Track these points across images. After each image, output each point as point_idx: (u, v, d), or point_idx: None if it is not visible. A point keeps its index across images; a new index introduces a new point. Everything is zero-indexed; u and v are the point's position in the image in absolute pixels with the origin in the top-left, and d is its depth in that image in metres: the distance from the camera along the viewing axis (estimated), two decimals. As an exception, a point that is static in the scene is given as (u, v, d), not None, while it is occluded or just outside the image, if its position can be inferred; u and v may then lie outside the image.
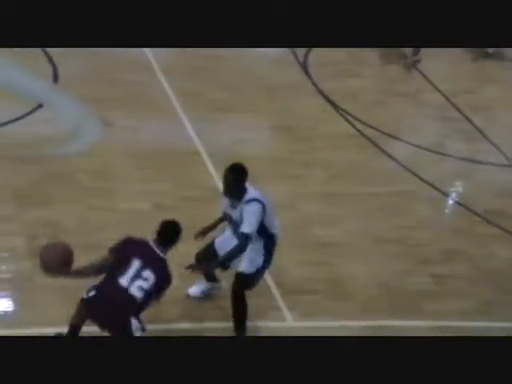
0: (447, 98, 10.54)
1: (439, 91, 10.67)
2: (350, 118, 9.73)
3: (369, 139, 9.38)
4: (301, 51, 10.87)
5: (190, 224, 6.16)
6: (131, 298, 5.60)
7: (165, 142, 8.66)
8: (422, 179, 8.85)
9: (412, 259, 7.72)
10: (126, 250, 5.76)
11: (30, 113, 8.49)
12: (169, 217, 5.94)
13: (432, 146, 9.56)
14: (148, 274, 5.65)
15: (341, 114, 9.81)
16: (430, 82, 10.85)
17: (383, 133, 9.54)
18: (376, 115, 9.87)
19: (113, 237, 6.03)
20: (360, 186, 8.55)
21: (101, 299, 5.59)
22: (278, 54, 10.60)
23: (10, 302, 6.46)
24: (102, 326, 5.63)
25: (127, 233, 5.95)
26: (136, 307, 5.66)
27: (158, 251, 5.79)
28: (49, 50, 9.48)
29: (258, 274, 6.34)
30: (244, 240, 6.03)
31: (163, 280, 5.74)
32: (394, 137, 9.61)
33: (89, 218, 7.27)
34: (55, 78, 9.25)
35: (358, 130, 9.53)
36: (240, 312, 6.33)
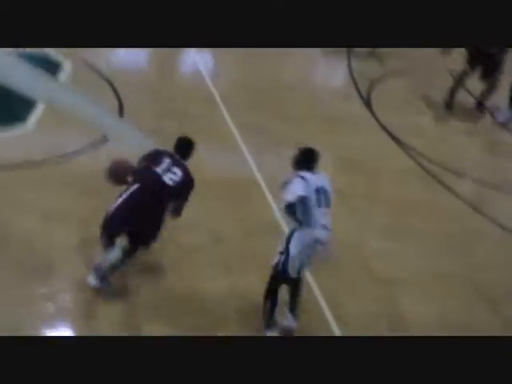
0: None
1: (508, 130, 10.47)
2: (414, 153, 9.57)
3: (434, 176, 9.21)
4: (363, 85, 10.79)
5: (250, 255, 6.05)
6: (164, 183, 6.45)
7: (225, 173, 8.62)
8: (488, 217, 8.62)
9: (479, 298, 7.47)
10: (157, 153, 6.75)
11: (96, 145, 8.55)
12: (228, 248, 5.84)
13: (500, 182, 9.33)
14: (177, 170, 6.60)
15: (404, 150, 9.66)
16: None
17: (449, 169, 9.36)
18: (441, 151, 9.70)
19: (174, 272, 5.92)
20: (425, 222, 8.35)
21: (140, 184, 6.44)
22: (340, 86, 10.54)
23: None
24: (140, 215, 6.31)
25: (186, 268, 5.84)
26: (167, 194, 6.42)
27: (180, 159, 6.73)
28: (114, 82, 9.61)
29: (277, 265, 6.13)
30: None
31: (189, 179, 6.63)
32: (459, 173, 9.41)
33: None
34: (121, 111, 9.32)
35: (422, 166, 9.37)
36: (266, 307, 6.25)
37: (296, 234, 6.10)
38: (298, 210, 6.04)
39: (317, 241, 6.10)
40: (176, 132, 8.87)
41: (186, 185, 6.60)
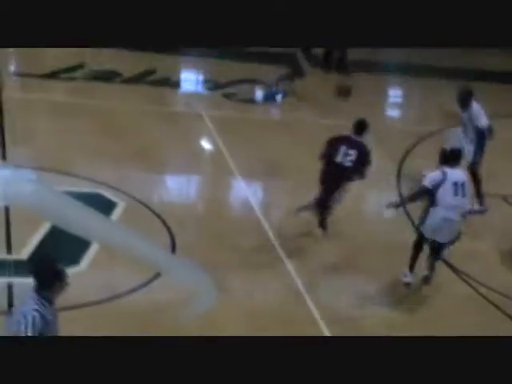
0: None
1: None
2: (471, 281, 9.36)
3: (493, 304, 8.95)
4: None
5: None
6: (344, 167, 9.38)
7: (279, 306, 8.49)
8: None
9: None
10: (333, 143, 9.57)
11: (149, 282, 8.55)
12: None
13: None
14: (352, 151, 9.41)
15: (460, 277, 9.45)
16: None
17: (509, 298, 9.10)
18: (501, 278, 9.46)
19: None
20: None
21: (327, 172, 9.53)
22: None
23: None
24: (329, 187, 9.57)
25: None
26: (348, 173, 9.44)
27: (355, 138, 9.54)
28: (167, 219, 9.73)
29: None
30: None
31: (364, 152, 9.47)
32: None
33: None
34: (173, 247, 9.37)
35: (480, 294, 9.12)
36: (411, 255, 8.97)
37: (431, 210, 8.62)
38: (434, 194, 8.50)
39: (445, 219, 8.55)
40: (229, 265, 8.99)
41: (363, 157, 9.43)
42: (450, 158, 8.77)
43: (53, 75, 14.39)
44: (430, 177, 8.65)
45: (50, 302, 5.69)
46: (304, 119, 13.83)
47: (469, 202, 8.96)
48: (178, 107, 14.48)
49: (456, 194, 8.55)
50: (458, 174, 8.73)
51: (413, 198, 9.06)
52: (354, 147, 9.44)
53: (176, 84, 15.42)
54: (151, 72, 15.14)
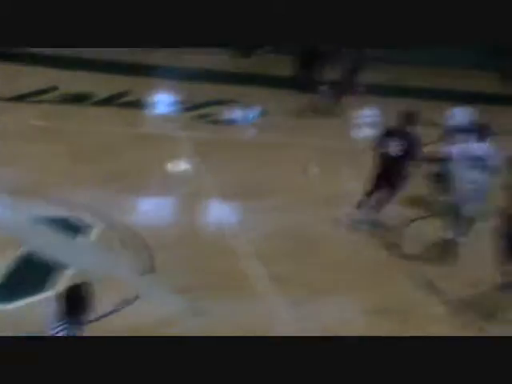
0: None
1: None
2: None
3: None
4: (390, 230, 10.73)
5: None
6: (396, 158, 10.35)
7: (260, 327, 8.41)
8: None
9: None
10: (382, 137, 10.51)
11: (127, 304, 8.43)
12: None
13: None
14: (401, 142, 10.29)
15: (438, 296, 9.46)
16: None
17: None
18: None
19: None
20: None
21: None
22: (367, 233, 10.51)
23: None
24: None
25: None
26: (402, 159, 10.33)
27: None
28: (145, 240, 9.63)
29: None
30: None
31: (414, 140, 10.34)
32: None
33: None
34: (150, 270, 9.26)
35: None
36: None
37: None
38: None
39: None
40: (208, 286, 8.90)
41: (414, 145, 10.22)
42: None
43: (24, 98, 14.26)
44: None
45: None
46: (278, 139, 13.83)
47: None
48: (151, 129, 14.42)
49: None
50: None
51: None
52: (402, 137, 10.37)
53: (149, 106, 15.37)
54: (124, 94, 15.08)
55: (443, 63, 17.54)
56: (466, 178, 9.87)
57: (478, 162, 9.77)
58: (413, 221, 11.17)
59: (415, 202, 11.61)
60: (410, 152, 10.31)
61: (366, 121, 15.84)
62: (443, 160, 10.25)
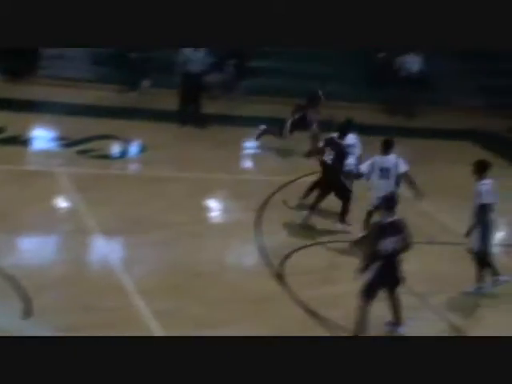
0: None
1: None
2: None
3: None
4: (276, 260, 10.84)
5: None
6: (328, 165, 11.88)
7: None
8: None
9: None
10: (323, 145, 12.04)
11: None
12: None
13: None
14: (331, 152, 11.87)
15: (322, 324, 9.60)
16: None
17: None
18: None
19: None
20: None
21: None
22: (254, 265, 10.57)
23: None
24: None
25: None
26: (330, 168, 11.86)
27: (337, 140, 11.97)
28: (20, 281, 9.32)
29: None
30: None
31: (340, 150, 11.87)
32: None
33: None
34: (28, 312, 8.96)
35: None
36: None
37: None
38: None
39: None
40: (92, 325, 8.66)
41: (340, 155, 11.79)
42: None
43: None
44: None
45: None
46: (162, 173, 13.77)
47: None
48: (30, 166, 14.04)
49: None
50: None
51: None
52: (334, 148, 11.98)
53: (27, 142, 14.96)
54: (0, 130, 14.64)
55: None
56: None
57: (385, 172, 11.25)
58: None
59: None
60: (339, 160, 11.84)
61: (249, 152, 16.01)
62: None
